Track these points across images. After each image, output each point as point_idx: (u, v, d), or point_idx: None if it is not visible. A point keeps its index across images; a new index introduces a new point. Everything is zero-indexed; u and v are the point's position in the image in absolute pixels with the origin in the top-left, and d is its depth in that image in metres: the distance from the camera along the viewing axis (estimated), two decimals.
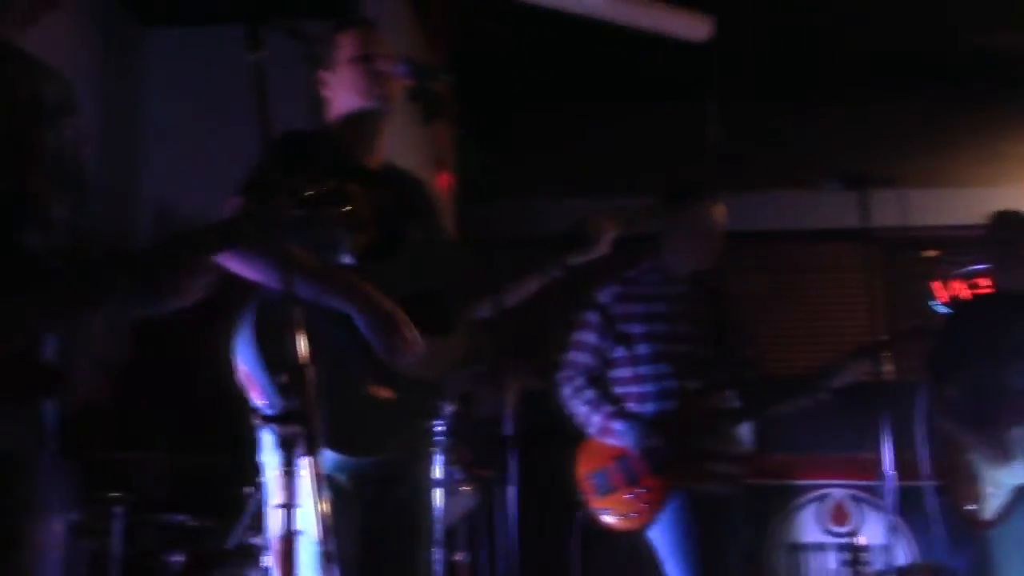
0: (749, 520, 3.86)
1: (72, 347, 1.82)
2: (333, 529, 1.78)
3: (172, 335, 5.20)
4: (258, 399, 2.33)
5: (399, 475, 2.47)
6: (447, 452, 3.55)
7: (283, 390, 1.65)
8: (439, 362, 2.50)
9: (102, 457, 4.13)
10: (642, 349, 3.65)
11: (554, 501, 4.21)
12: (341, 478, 2.32)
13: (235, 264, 2.27)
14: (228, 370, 2.40)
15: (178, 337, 5.28)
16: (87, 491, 3.86)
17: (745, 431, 3.72)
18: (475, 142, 2.28)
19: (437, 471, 3.35)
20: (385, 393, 2.35)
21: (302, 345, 1.62)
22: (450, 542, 4.11)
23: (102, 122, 5.60)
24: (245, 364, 2.35)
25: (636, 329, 3.68)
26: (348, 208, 1.77)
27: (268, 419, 1.67)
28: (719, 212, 3.74)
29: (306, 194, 1.75)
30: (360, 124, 2.57)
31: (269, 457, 2.34)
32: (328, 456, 2.22)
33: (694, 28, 5.20)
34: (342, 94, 2.58)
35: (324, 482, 1.62)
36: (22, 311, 1.67)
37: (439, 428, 3.35)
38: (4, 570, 1.69)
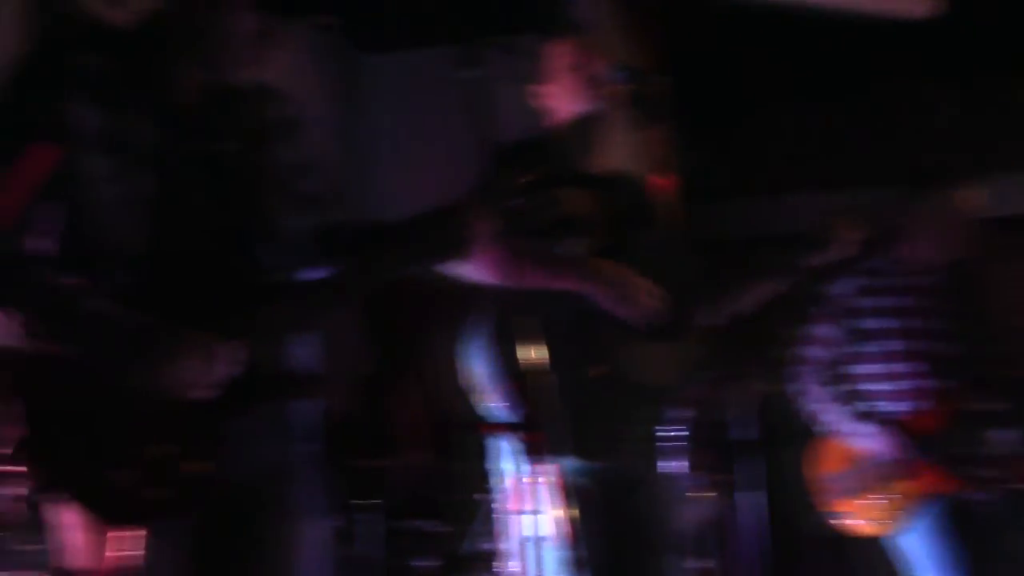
0: (1015, 527, 3.58)
1: (327, 358, 1.93)
2: (574, 534, 1.80)
3: (413, 343, 5.44)
4: (496, 406, 2.38)
5: (637, 481, 2.46)
6: (684, 457, 3.50)
7: (519, 399, 1.68)
8: (672, 368, 2.48)
9: (351, 465, 4.35)
10: (892, 345, 3.47)
11: (794, 505, 4.07)
12: (579, 483, 2.34)
13: (467, 267, 2.32)
14: (460, 377, 2.46)
15: (417, 346, 5.50)
16: (340, 497, 4.08)
17: (1008, 432, 3.46)
18: (694, 143, 2.24)
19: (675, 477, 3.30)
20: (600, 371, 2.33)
21: (535, 353, 1.64)
22: (691, 549, 4.05)
23: (331, 148, 5.90)
24: (481, 371, 2.40)
25: (884, 324, 3.49)
26: (567, 212, 1.80)
27: (506, 427, 1.70)
28: (970, 198, 3.50)
29: (525, 197, 1.79)
30: (581, 129, 2.58)
31: (506, 464, 2.39)
32: (566, 461, 2.24)
33: (915, 4, 4.92)
34: (562, 103, 2.60)
35: (564, 489, 1.63)
36: (266, 322, 1.77)
37: (676, 434, 3.32)
38: (274, 574, 1.80)
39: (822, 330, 3.63)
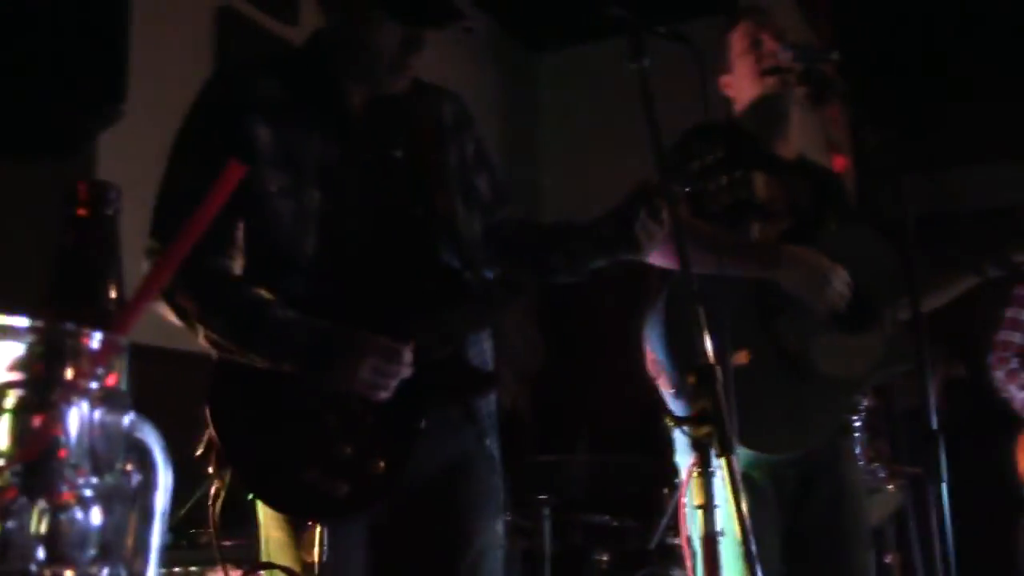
0: None
1: (502, 354, 1.95)
2: (753, 529, 1.74)
3: (585, 338, 5.45)
4: (670, 397, 2.34)
5: (821, 473, 2.37)
6: (865, 449, 3.38)
7: (692, 391, 1.64)
8: (859, 359, 2.37)
9: (527, 461, 4.39)
10: None
11: (992, 496, 3.86)
12: (758, 476, 2.28)
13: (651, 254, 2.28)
14: (642, 370, 2.43)
15: (590, 340, 5.52)
16: (516, 493, 4.13)
17: None
18: (872, 118, 2.15)
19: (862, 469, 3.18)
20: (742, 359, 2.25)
21: (709, 344, 1.60)
22: (878, 543, 3.90)
23: (502, 147, 5.99)
24: (659, 361, 2.37)
25: None
26: (752, 196, 1.75)
27: (680, 420, 1.67)
28: None
29: (707, 181, 1.76)
30: (765, 111, 2.50)
31: (683, 458, 2.35)
32: (744, 453, 2.18)
33: None
34: (743, 89, 2.53)
35: (742, 482, 1.59)
36: (447, 323, 1.80)
37: (856, 423, 3.19)
38: (457, 568, 1.84)
39: (1018, 312, 3.42)
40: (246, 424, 1.73)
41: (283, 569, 1.71)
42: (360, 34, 1.80)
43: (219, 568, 1.75)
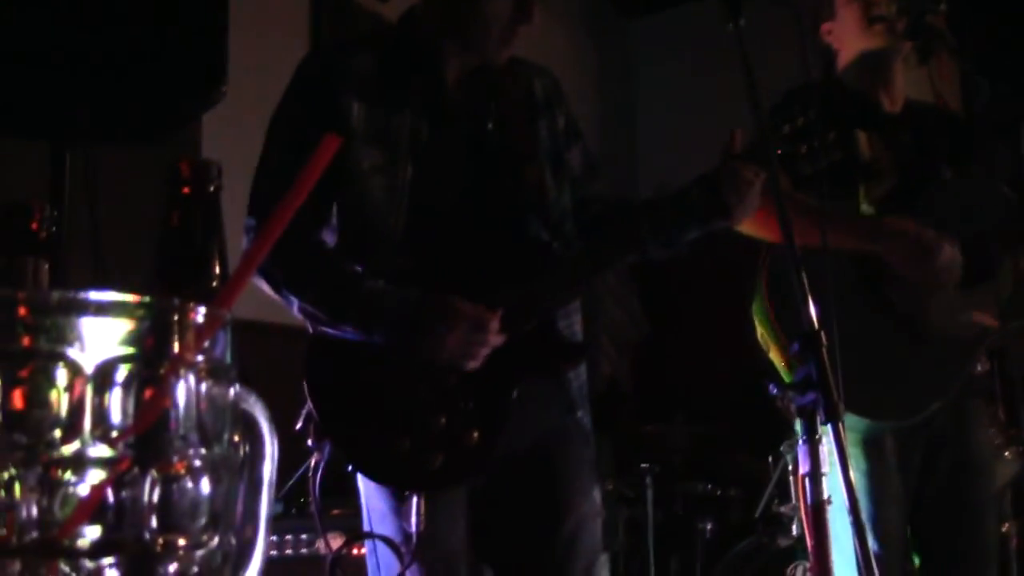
0: None
1: (594, 330, 1.95)
2: (873, 497, 1.69)
3: (685, 310, 5.41)
4: (781, 366, 2.29)
5: (947, 440, 2.28)
6: (987, 414, 3.27)
7: (798, 357, 1.61)
8: (979, 317, 2.24)
9: (629, 430, 4.38)
10: None
11: None
12: (885, 443, 2.21)
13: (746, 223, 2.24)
14: (747, 338, 2.38)
15: (691, 312, 5.47)
16: (619, 462, 4.12)
17: None
18: (983, 71, 2.06)
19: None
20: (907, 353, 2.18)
21: (814, 310, 1.57)
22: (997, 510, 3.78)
23: (599, 114, 5.95)
24: (767, 333, 2.32)
25: None
26: (856, 155, 1.71)
27: (786, 387, 1.65)
28: None
29: (807, 141, 1.72)
30: (871, 66, 2.40)
31: (795, 425, 2.30)
32: (862, 422, 2.13)
33: None
34: (846, 40, 2.43)
35: (869, 448, 1.55)
36: (536, 294, 1.81)
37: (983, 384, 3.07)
38: (558, 536, 1.85)
39: None
40: (341, 397, 1.76)
41: (381, 538, 1.74)
42: (474, 3, 1.79)
43: (322, 537, 1.80)
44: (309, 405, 1.75)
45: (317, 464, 1.76)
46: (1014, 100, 1.90)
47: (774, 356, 2.29)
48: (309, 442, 1.76)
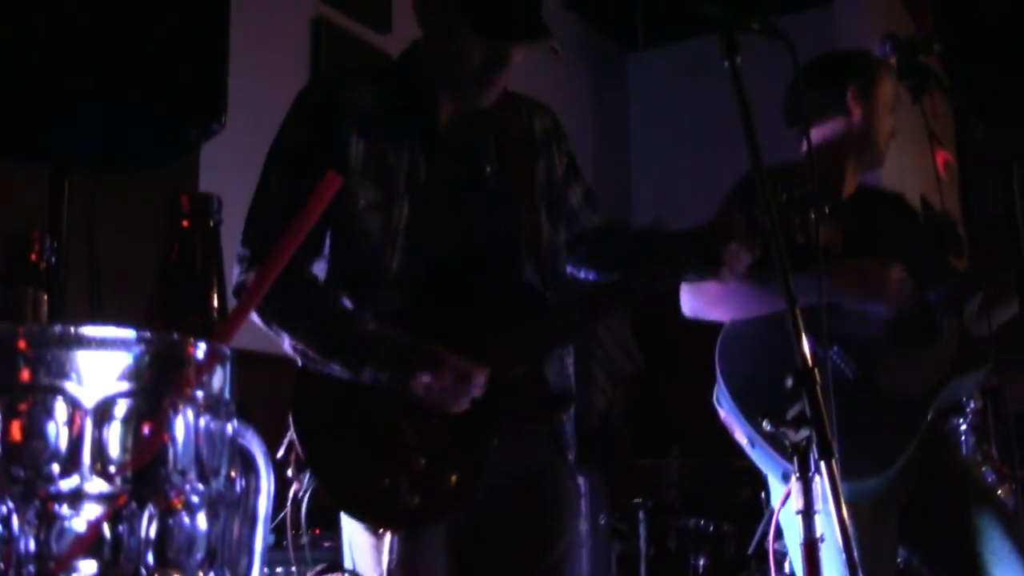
0: None
1: (588, 363, 1.96)
2: (869, 542, 1.69)
3: (680, 344, 5.41)
4: (747, 448, 2.33)
5: (929, 475, 2.27)
6: (973, 452, 3.27)
7: (790, 393, 1.62)
8: (925, 375, 2.30)
9: (623, 464, 4.37)
10: None
11: None
12: (861, 504, 2.24)
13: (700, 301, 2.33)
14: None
15: (686, 345, 5.47)
16: (612, 496, 4.11)
17: None
18: (976, 110, 2.08)
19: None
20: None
21: (807, 346, 1.57)
22: None
23: (594, 146, 5.98)
24: (727, 413, 2.37)
25: None
26: (829, 239, 1.79)
27: (778, 424, 1.65)
28: None
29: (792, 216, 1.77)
30: (828, 155, 2.44)
31: (786, 462, 2.31)
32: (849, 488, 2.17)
33: None
34: (868, 126, 2.50)
35: (841, 487, 1.56)
36: (525, 341, 1.81)
37: (962, 427, 3.10)
38: (543, 567, 1.85)
39: None
40: (326, 430, 1.77)
41: (352, 574, 1.75)
42: (448, 49, 1.80)
43: (303, 567, 1.81)
44: (292, 435, 1.76)
45: (296, 494, 1.77)
46: (1006, 139, 1.92)
47: (738, 438, 2.34)
48: (289, 472, 1.77)
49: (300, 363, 1.80)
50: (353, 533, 1.80)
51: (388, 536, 1.72)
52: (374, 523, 1.74)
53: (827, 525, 1.67)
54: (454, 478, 1.75)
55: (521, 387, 1.82)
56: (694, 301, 2.37)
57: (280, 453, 1.79)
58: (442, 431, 1.76)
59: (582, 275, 2.06)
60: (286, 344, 1.77)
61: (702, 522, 4.10)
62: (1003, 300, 2.33)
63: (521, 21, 1.77)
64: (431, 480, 1.74)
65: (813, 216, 1.81)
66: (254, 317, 1.75)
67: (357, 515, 1.76)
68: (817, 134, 2.46)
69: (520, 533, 1.85)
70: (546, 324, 1.83)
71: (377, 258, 1.78)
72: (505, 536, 1.84)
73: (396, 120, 1.83)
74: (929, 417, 2.27)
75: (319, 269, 1.84)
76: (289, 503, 1.77)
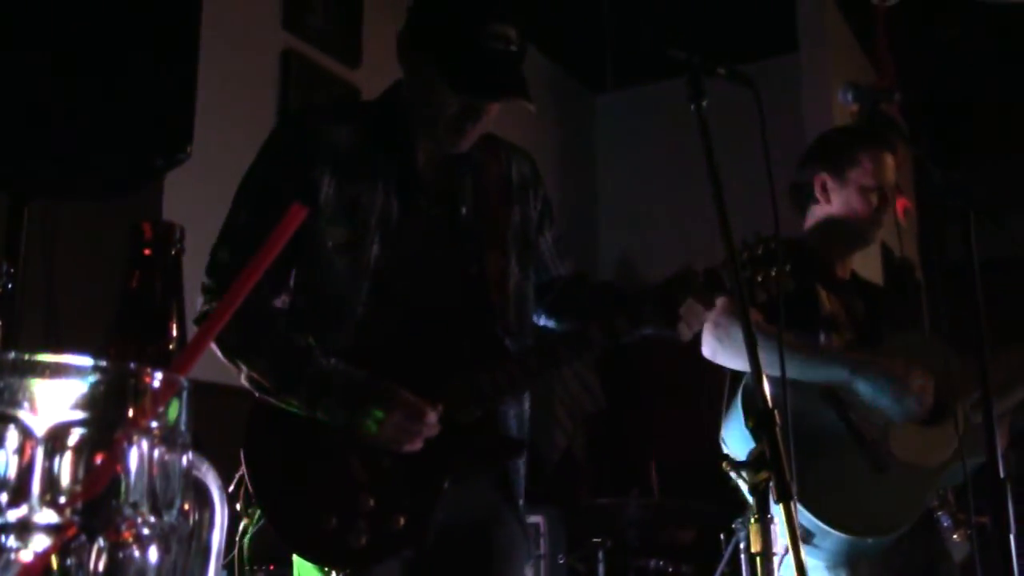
0: None
1: (550, 401, 1.96)
2: None
3: (643, 384, 5.42)
4: (733, 443, 2.36)
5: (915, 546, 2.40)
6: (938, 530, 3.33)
7: (752, 434, 1.62)
8: (935, 450, 2.39)
9: (582, 503, 4.35)
10: None
11: None
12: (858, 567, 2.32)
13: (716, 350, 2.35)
14: (703, 414, 2.46)
15: (648, 385, 5.48)
16: (571, 535, 4.09)
17: None
18: (936, 159, 2.12)
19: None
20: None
21: (768, 389, 1.58)
22: None
23: (560, 186, 6.01)
24: (721, 410, 2.42)
25: None
26: (818, 307, 1.84)
27: (737, 465, 1.65)
28: None
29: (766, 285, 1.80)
30: (833, 236, 2.57)
31: (746, 503, 2.32)
32: (848, 540, 2.24)
33: None
34: (828, 205, 2.58)
35: (799, 530, 1.57)
36: (481, 386, 1.80)
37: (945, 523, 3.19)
38: None
39: None
40: (276, 467, 1.76)
41: None
42: (424, 97, 1.81)
43: None
44: (243, 470, 1.74)
45: (246, 529, 1.76)
46: (964, 188, 1.95)
47: (723, 432, 2.39)
48: (238, 506, 1.75)
49: (256, 396, 1.79)
50: (302, 571, 1.78)
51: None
52: (320, 562, 1.72)
53: (786, 569, 1.67)
54: (403, 520, 1.74)
55: (474, 431, 1.81)
56: (720, 348, 2.37)
57: (231, 488, 1.77)
58: (393, 472, 1.75)
59: (543, 322, 2.07)
60: (243, 377, 1.76)
61: (661, 563, 4.09)
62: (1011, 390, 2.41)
63: (499, 77, 1.77)
64: (380, 521, 1.73)
65: (774, 274, 1.84)
66: (214, 348, 1.74)
67: (304, 553, 1.74)
68: (808, 220, 2.59)
69: (470, 574, 1.85)
70: (503, 370, 1.82)
71: (343, 299, 1.78)
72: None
73: (371, 160, 1.83)
74: (931, 494, 2.33)
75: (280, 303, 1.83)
76: (238, 539, 1.75)
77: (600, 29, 5.73)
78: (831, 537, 2.23)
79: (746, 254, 1.84)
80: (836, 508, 2.18)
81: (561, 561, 3.93)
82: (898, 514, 2.28)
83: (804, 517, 2.20)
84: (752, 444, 2.33)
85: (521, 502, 1.94)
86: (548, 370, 1.88)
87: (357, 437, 1.73)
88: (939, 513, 3.60)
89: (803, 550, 1.50)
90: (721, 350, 2.36)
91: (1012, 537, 1.83)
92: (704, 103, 1.70)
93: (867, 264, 3.84)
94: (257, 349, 1.74)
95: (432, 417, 1.72)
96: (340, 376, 1.73)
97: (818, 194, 2.57)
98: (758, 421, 1.57)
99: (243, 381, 1.77)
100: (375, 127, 1.87)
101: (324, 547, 1.72)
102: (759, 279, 1.85)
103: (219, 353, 1.76)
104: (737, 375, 2.40)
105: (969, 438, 2.32)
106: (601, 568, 3.95)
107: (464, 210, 1.90)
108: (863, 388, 2.31)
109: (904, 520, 2.29)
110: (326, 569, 1.72)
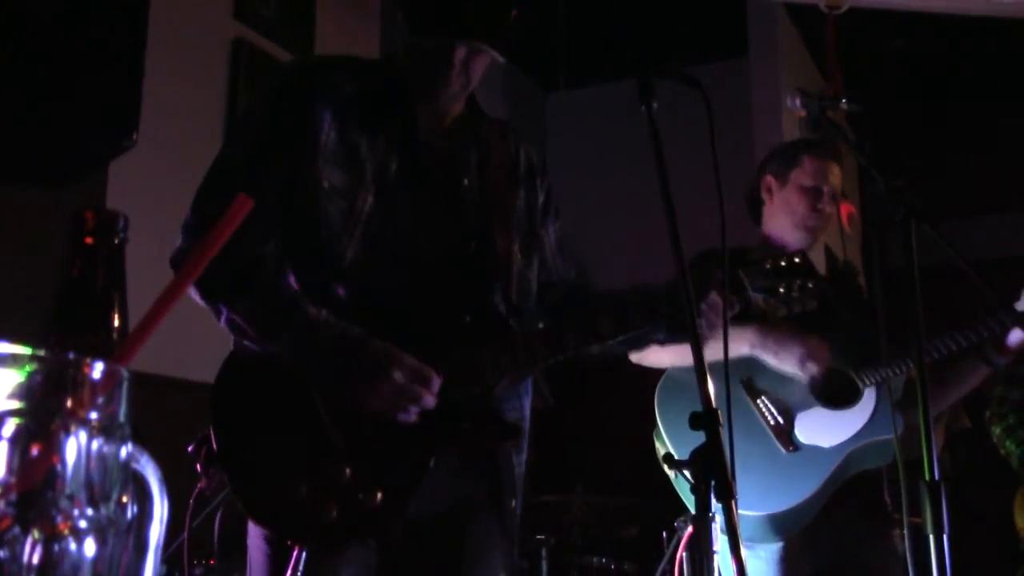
0: None
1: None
2: None
3: (589, 382, 5.44)
4: (675, 444, 2.42)
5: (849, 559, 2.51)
6: (887, 513, 3.39)
7: (691, 433, 1.64)
8: (837, 432, 2.51)
9: (527, 500, 4.35)
10: None
11: (992, 549, 3.82)
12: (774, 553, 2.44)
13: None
14: (648, 413, 2.52)
15: (594, 384, 5.50)
16: (525, 533, 4.09)
17: None
18: (880, 166, 2.16)
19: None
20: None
21: (710, 388, 1.60)
22: None
23: None
24: (663, 408, 2.49)
25: None
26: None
27: (677, 463, 1.66)
28: None
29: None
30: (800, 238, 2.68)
31: (688, 503, 2.36)
32: (750, 518, 2.36)
33: None
34: (778, 220, 2.71)
35: (739, 529, 1.58)
36: (483, 363, 1.72)
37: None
38: None
39: (1019, 367, 3.41)
40: (248, 423, 1.63)
41: None
42: (445, 53, 1.75)
43: None
44: (209, 428, 1.61)
45: (201, 492, 1.65)
46: (907, 194, 1.99)
47: (666, 432, 2.47)
48: (198, 466, 1.62)
49: (233, 344, 1.69)
50: (254, 541, 1.67)
51: (295, 552, 1.56)
52: (285, 534, 1.59)
53: (724, 566, 1.69)
54: (379, 496, 1.60)
55: (467, 410, 1.71)
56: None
57: (191, 447, 1.63)
58: (376, 443, 1.63)
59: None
60: (223, 320, 1.64)
61: (603, 560, 4.11)
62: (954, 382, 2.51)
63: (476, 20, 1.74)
64: (354, 495, 1.59)
65: (798, 286, 1.88)
66: (193, 292, 1.62)
67: (267, 524, 1.61)
68: (762, 226, 2.76)
69: (423, 570, 1.74)
70: (507, 351, 1.74)
71: (332, 247, 1.69)
72: (421, 572, 1.74)
73: (375, 114, 1.77)
74: (833, 468, 2.39)
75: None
76: (192, 500, 1.64)
77: (553, 28, 5.74)
78: (743, 519, 2.33)
79: (770, 263, 1.88)
80: (742, 490, 2.30)
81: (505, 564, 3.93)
82: (791, 490, 2.41)
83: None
84: (679, 442, 2.42)
85: (514, 502, 1.83)
86: (552, 356, 1.79)
87: (343, 399, 1.61)
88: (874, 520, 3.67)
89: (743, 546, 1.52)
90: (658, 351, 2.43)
91: (946, 538, 1.87)
92: (654, 105, 1.72)
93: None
94: (240, 292, 1.62)
95: (436, 383, 1.62)
96: (332, 331, 1.62)
97: (764, 194, 2.67)
98: (699, 420, 1.59)
99: (222, 324, 1.66)
100: (379, 85, 1.82)
101: (290, 518, 1.58)
102: (781, 292, 1.88)
103: (198, 297, 1.64)
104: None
105: (879, 419, 2.47)
106: (544, 565, 3.96)
107: (466, 182, 1.83)
108: (765, 356, 2.49)
109: (796, 496, 2.41)
110: (288, 543, 1.57)
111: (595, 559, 4.14)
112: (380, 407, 1.60)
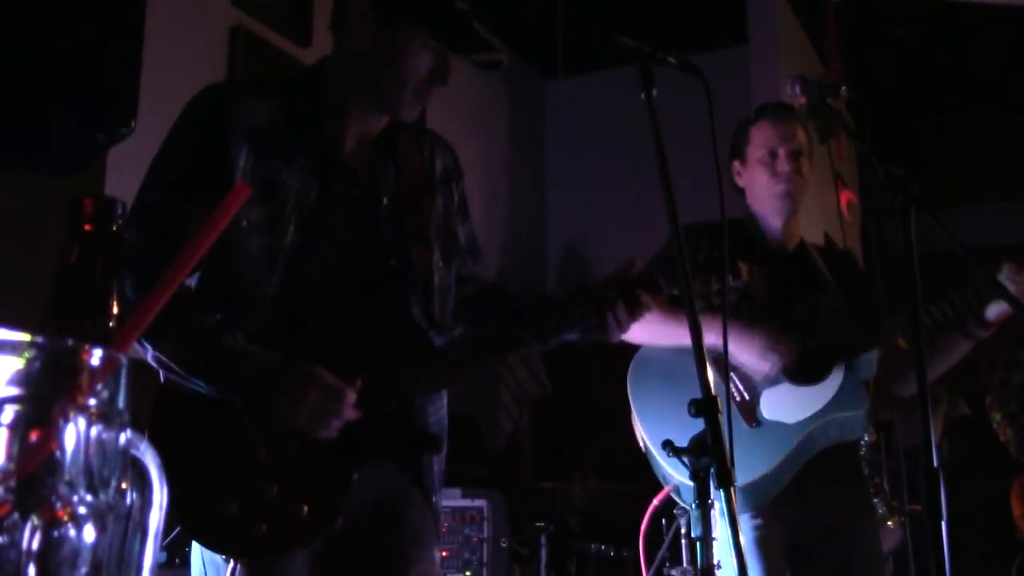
0: None
1: (496, 387, 1.95)
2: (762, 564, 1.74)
3: (588, 369, 5.45)
4: (673, 430, 2.41)
5: (835, 528, 2.53)
6: (866, 484, 3.39)
7: (693, 419, 1.64)
8: (801, 408, 2.55)
9: (525, 487, 4.37)
10: None
11: (991, 537, 3.83)
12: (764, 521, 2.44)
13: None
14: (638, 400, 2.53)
15: (594, 371, 5.51)
16: (514, 519, 4.11)
17: None
18: (880, 154, 2.15)
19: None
20: None
21: (711, 375, 1.60)
22: None
23: (511, 172, 6.01)
24: (654, 394, 2.48)
25: None
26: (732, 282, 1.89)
27: (678, 451, 1.67)
28: None
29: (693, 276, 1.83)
30: (774, 210, 2.68)
31: (686, 490, 2.37)
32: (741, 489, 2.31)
33: None
34: (752, 190, 2.72)
35: (739, 516, 1.59)
36: (400, 378, 1.77)
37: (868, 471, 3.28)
38: None
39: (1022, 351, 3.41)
40: (179, 448, 1.69)
41: None
42: (393, 56, 1.76)
43: None
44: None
45: None
46: (906, 183, 1.98)
47: (663, 419, 2.49)
48: None
49: (162, 377, 1.73)
50: (196, 556, 1.74)
51: (230, 565, 1.65)
52: (219, 549, 1.67)
53: (724, 551, 1.70)
54: (305, 509, 1.68)
55: (388, 425, 1.77)
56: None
57: None
58: (300, 459, 1.70)
59: (462, 320, 2.01)
60: (148, 357, 1.68)
61: (602, 547, 4.12)
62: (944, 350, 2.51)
63: (471, 34, 1.77)
64: (281, 510, 1.67)
65: (727, 278, 1.88)
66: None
67: (202, 539, 1.69)
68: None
69: (373, 561, 1.81)
70: (425, 364, 1.79)
71: (254, 283, 1.71)
72: (358, 565, 1.80)
73: (292, 138, 1.77)
74: (795, 443, 2.40)
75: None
76: None
77: (552, 15, 5.72)
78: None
79: (702, 257, 1.89)
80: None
81: (504, 545, 3.95)
82: (751, 466, 2.45)
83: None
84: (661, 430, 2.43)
85: (435, 497, 1.89)
86: (470, 367, 1.84)
87: (269, 420, 1.68)
88: (874, 501, 3.68)
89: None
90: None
91: (944, 525, 1.88)
92: (654, 92, 1.72)
93: None
94: (161, 330, 1.64)
95: (351, 398, 1.68)
96: (251, 360, 1.67)
97: (736, 181, 2.69)
98: (699, 408, 1.59)
99: (149, 361, 1.70)
100: (299, 105, 1.81)
101: (223, 533, 1.66)
102: (713, 285, 1.88)
103: None
104: None
105: (846, 395, 2.51)
106: (543, 552, 3.97)
107: (385, 200, 1.85)
108: (733, 350, 2.50)
109: (754, 471, 2.45)
110: (225, 559, 1.66)
111: (594, 546, 4.15)
112: (302, 426, 1.67)
